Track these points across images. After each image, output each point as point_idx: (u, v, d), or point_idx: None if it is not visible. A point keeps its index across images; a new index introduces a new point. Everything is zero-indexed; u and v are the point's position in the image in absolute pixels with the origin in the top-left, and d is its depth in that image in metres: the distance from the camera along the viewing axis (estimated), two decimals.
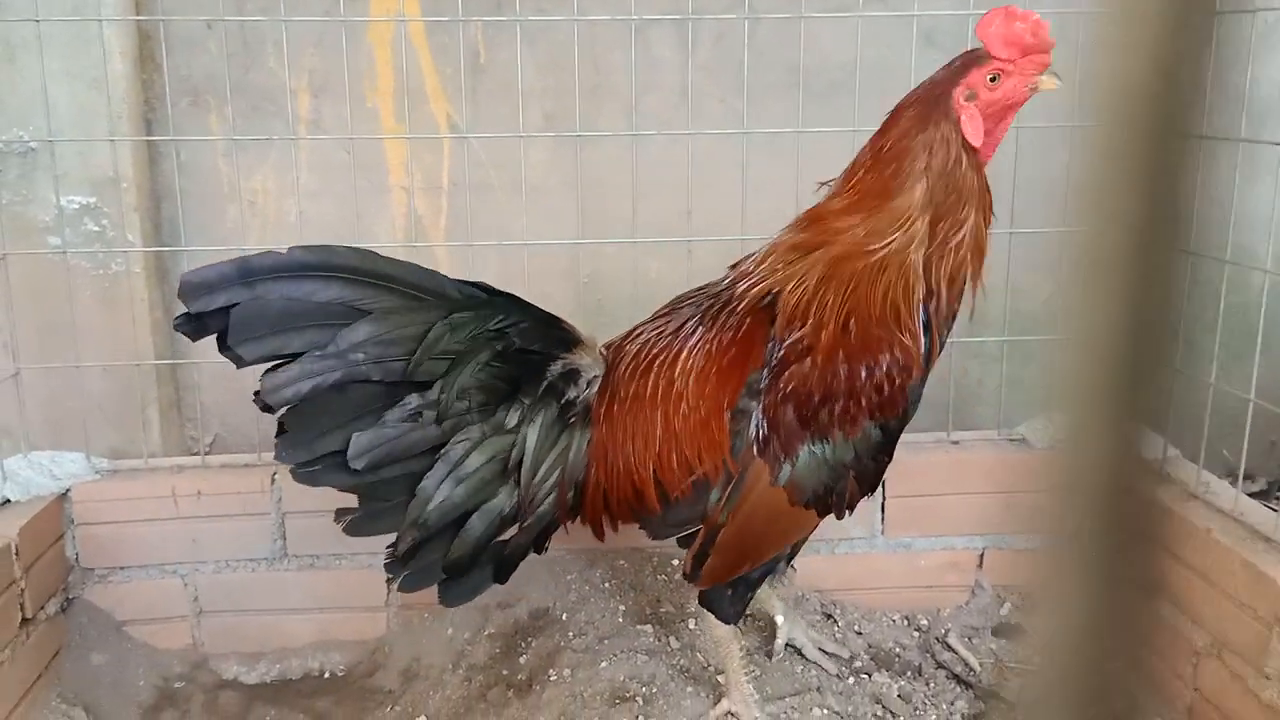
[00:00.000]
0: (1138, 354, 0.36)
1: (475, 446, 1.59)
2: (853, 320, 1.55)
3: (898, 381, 1.54)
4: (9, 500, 2.10)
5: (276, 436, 1.56)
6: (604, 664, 1.96)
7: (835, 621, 2.11)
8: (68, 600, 2.14)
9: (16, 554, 1.96)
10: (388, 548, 1.62)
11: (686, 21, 2.13)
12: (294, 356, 1.49)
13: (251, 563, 2.19)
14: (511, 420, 1.61)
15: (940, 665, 2.03)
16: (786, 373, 1.56)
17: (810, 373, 1.55)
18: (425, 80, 2.35)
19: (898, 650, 2.08)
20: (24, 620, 1.98)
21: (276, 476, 2.18)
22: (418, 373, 1.53)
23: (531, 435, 1.61)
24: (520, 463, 1.61)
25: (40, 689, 2.00)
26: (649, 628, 2.05)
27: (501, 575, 1.71)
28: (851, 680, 1.95)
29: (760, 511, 1.59)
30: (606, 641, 2.01)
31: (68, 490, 2.15)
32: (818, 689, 1.91)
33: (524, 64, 2.17)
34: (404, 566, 1.63)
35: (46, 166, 2.20)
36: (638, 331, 1.74)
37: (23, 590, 1.98)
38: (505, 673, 2.02)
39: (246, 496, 2.18)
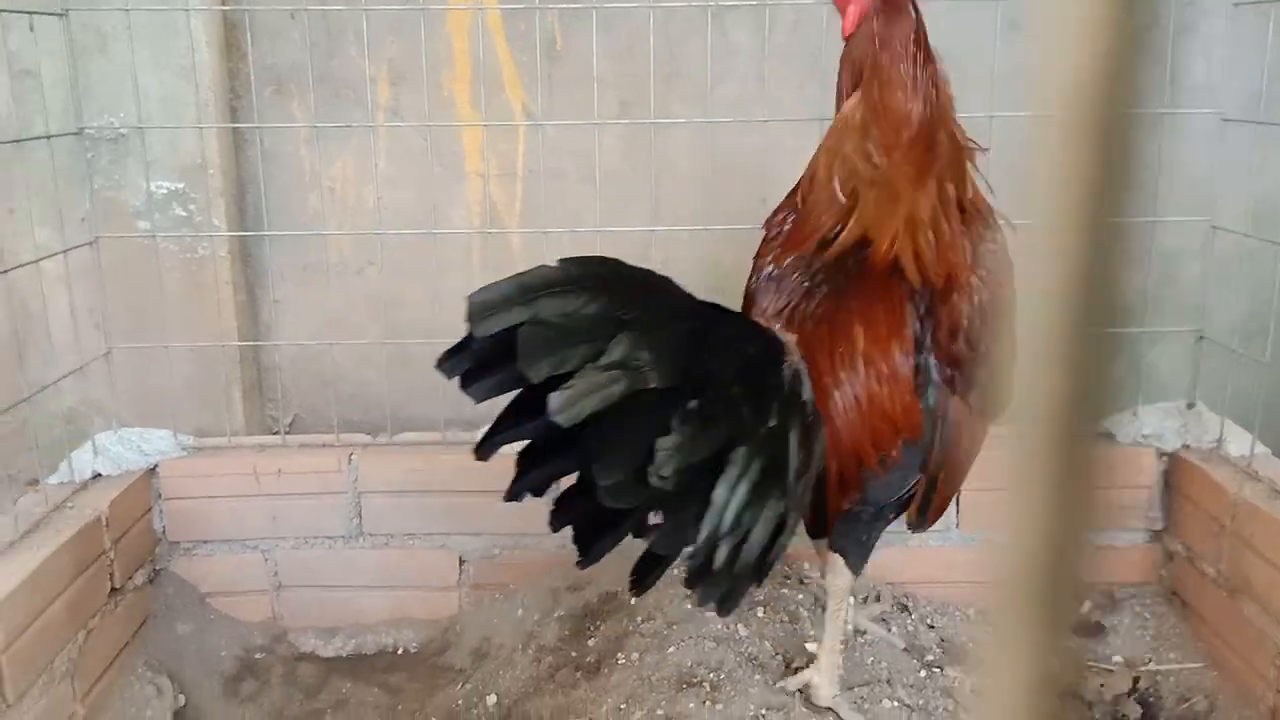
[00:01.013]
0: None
1: (754, 452, 1.48)
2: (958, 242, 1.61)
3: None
4: (100, 475, 2.18)
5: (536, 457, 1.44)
6: (671, 649, 1.97)
7: (909, 614, 2.10)
8: (155, 572, 2.22)
9: (107, 526, 2.04)
10: (689, 564, 1.48)
11: (764, 7, 2.12)
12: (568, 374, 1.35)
13: (328, 540, 2.25)
14: (772, 422, 1.52)
15: None
16: (942, 313, 1.60)
17: (959, 304, 1.59)
18: (502, 68, 2.37)
19: (971, 645, 2.06)
20: (113, 590, 2.06)
21: (353, 456, 2.23)
22: (688, 379, 1.42)
23: (792, 438, 1.53)
24: (786, 466, 1.53)
25: (128, 656, 2.08)
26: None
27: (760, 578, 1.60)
28: (923, 673, 1.94)
29: (964, 441, 1.63)
30: (675, 627, 2.02)
31: (155, 466, 2.23)
32: (887, 680, 1.90)
33: (599, 51, 2.18)
34: (706, 580, 1.50)
35: (137, 153, 2.27)
36: (771, 316, 1.71)
37: (112, 561, 2.06)
38: (574, 655, 2.04)
39: (324, 475, 2.23)
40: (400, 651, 2.23)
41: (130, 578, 2.12)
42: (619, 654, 1.99)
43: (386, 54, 2.37)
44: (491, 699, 2.03)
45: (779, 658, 1.95)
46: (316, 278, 2.47)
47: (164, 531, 2.24)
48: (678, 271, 2.37)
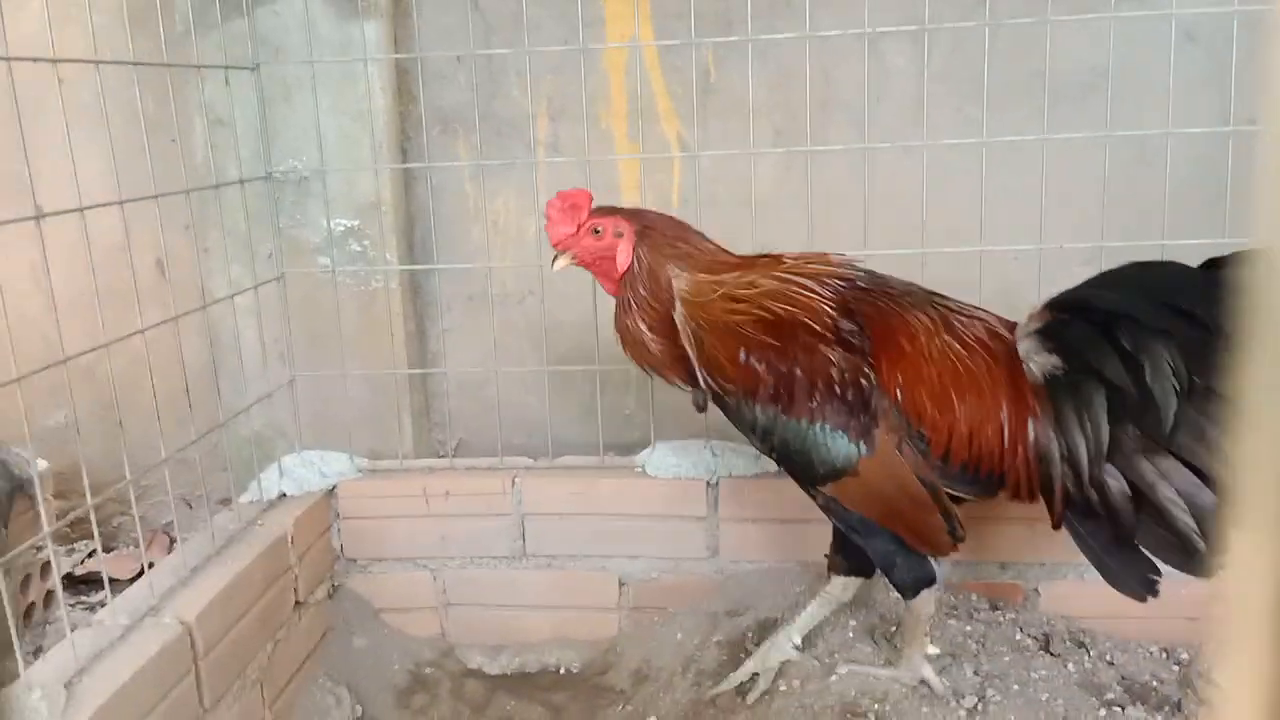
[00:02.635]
0: None
1: None
2: None
3: None
4: (285, 494, 2.32)
5: None
6: (834, 678, 1.95)
7: (1086, 651, 2.02)
8: (334, 587, 2.34)
9: (292, 543, 2.17)
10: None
11: (922, 31, 2.11)
12: None
13: (493, 560, 2.33)
14: None
15: (1203, 702, 1.90)
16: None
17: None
18: (657, 101, 2.43)
19: (1154, 684, 1.96)
20: (297, 603, 2.18)
21: (517, 479, 2.30)
22: None
23: None
24: None
25: (310, 667, 2.20)
26: (881, 645, 2.03)
27: None
28: (1103, 712, 1.86)
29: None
30: (836, 655, 2.00)
31: (334, 487, 2.36)
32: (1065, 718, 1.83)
33: (754, 81, 2.22)
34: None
35: (318, 193, 2.42)
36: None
37: (296, 576, 2.18)
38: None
39: (489, 498, 2.31)
40: (562, 671, 2.28)
41: (312, 593, 2.25)
42: (780, 681, 1.98)
43: (546, 92, 2.46)
44: None
45: (951, 688, 1.90)
46: (481, 307, 2.57)
47: (341, 549, 2.36)
48: None
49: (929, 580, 1.80)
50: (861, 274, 1.81)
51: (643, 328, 1.82)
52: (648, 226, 1.83)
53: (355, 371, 2.43)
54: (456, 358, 2.61)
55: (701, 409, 1.95)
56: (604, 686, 2.20)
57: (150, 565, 1.91)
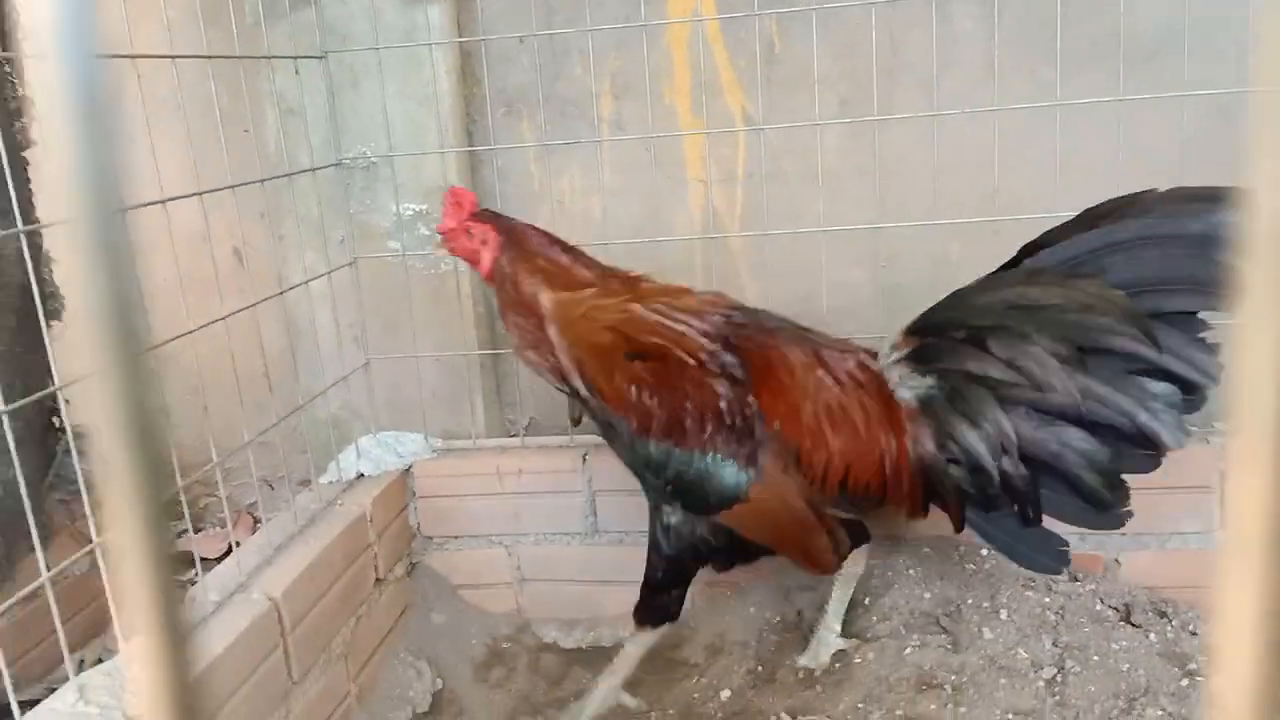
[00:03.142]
0: None
1: None
2: None
3: None
4: (362, 475, 2.37)
5: None
6: (909, 650, 1.95)
7: (1169, 620, 1.98)
8: (411, 565, 2.40)
9: (370, 521, 2.23)
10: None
11: None
12: None
13: (566, 536, 2.36)
14: None
15: None
16: None
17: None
18: (720, 75, 2.41)
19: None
20: (377, 580, 2.24)
21: (587, 457, 2.32)
22: None
23: None
24: None
25: (391, 641, 2.26)
26: (956, 616, 2.01)
27: None
28: (1185, 682, 1.82)
29: None
30: (912, 628, 1.99)
31: (410, 467, 2.41)
32: (1146, 690, 1.80)
33: (818, 51, 2.19)
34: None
35: (386, 178, 2.46)
36: None
37: (376, 554, 2.24)
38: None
39: (560, 475, 2.34)
40: None
41: (391, 569, 2.30)
42: (855, 654, 1.98)
43: (609, 70, 2.46)
44: (725, 694, 2.06)
45: (1029, 659, 1.88)
46: None
47: (418, 527, 2.41)
48: (906, 267, 2.36)
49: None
50: (736, 311, 1.88)
51: (514, 332, 1.92)
52: (513, 240, 1.92)
53: (427, 354, 2.47)
54: None
55: (576, 422, 2.03)
56: (678, 660, 2.22)
57: (237, 544, 1.98)
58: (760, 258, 2.40)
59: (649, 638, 1.96)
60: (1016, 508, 1.71)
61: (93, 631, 2.43)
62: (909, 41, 2.29)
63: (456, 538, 2.40)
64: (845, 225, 2.25)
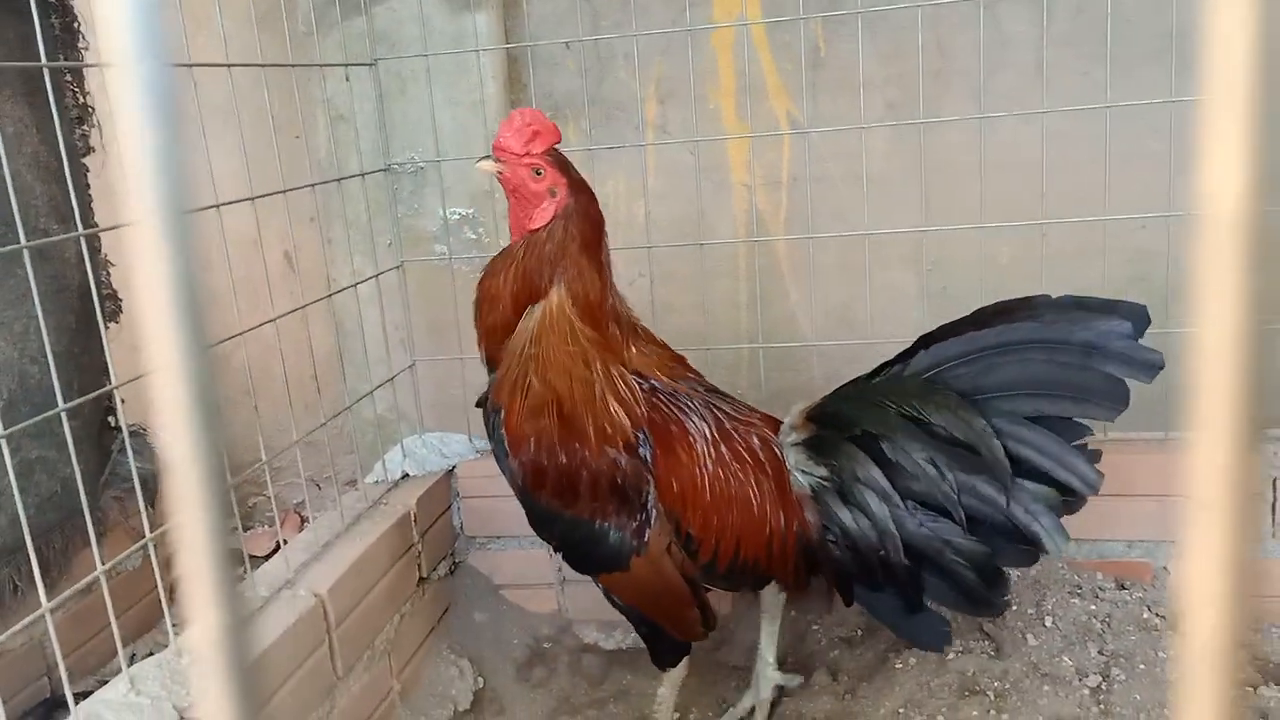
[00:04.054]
0: None
1: None
2: None
3: None
4: (408, 475, 2.40)
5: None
6: (951, 657, 1.93)
7: None
8: (454, 564, 2.42)
9: (415, 521, 2.25)
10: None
11: None
12: None
13: None
14: None
15: None
16: None
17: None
18: (765, 78, 2.41)
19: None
20: (420, 579, 2.26)
21: None
22: None
23: None
24: None
25: (434, 640, 2.28)
26: (1000, 623, 1.99)
27: None
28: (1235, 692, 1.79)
29: None
30: (955, 634, 1.97)
31: (454, 468, 2.43)
32: None
33: (864, 54, 2.18)
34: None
35: (434, 183, 2.49)
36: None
37: (420, 553, 2.27)
38: (851, 659, 2.04)
39: None
40: None
41: (434, 569, 2.33)
42: (896, 659, 1.97)
43: (654, 75, 2.48)
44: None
45: (1073, 666, 1.85)
46: None
47: (461, 527, 2.44)
48: (952, 271, 2.34)
49: (685, 652, 1.92)
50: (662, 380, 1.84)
51: (503, 295, 1.80)
52: (581, 209, 1.78)
53: (472, 356, 2.48)
54: None
55: (481, 405, 1.95)
56: (719, 662, 2.22)
57: (284, 542, 2.01)
58: (804, 261, 2.39)
59: (677, 674, 1.95)
60: (899, 593, 1.75)
61: (144, 627, 2.49)
62: (957, 44, 2.27)
63: (499, 538, 2.42)
64: (891, 229, 2.24)
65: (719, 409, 1.85)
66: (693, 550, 1.77)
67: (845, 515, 1.73)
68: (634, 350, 1.82)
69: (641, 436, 1.76)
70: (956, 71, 2.29)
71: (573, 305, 1.76)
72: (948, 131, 2.24)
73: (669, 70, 2.46)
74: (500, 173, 1.76)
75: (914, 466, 1.67)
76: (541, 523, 1.84)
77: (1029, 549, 1.64)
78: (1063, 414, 1.59)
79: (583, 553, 1.82)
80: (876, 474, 1.70)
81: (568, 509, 1.77)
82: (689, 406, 1.82)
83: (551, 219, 1.76)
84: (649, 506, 1.76)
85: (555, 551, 1.90)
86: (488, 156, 1.77)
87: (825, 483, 1.76)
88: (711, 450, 1.78)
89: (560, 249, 1.76)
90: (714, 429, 1.80)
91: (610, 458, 1.74)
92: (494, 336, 1.85)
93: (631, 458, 1.75)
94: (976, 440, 1.61)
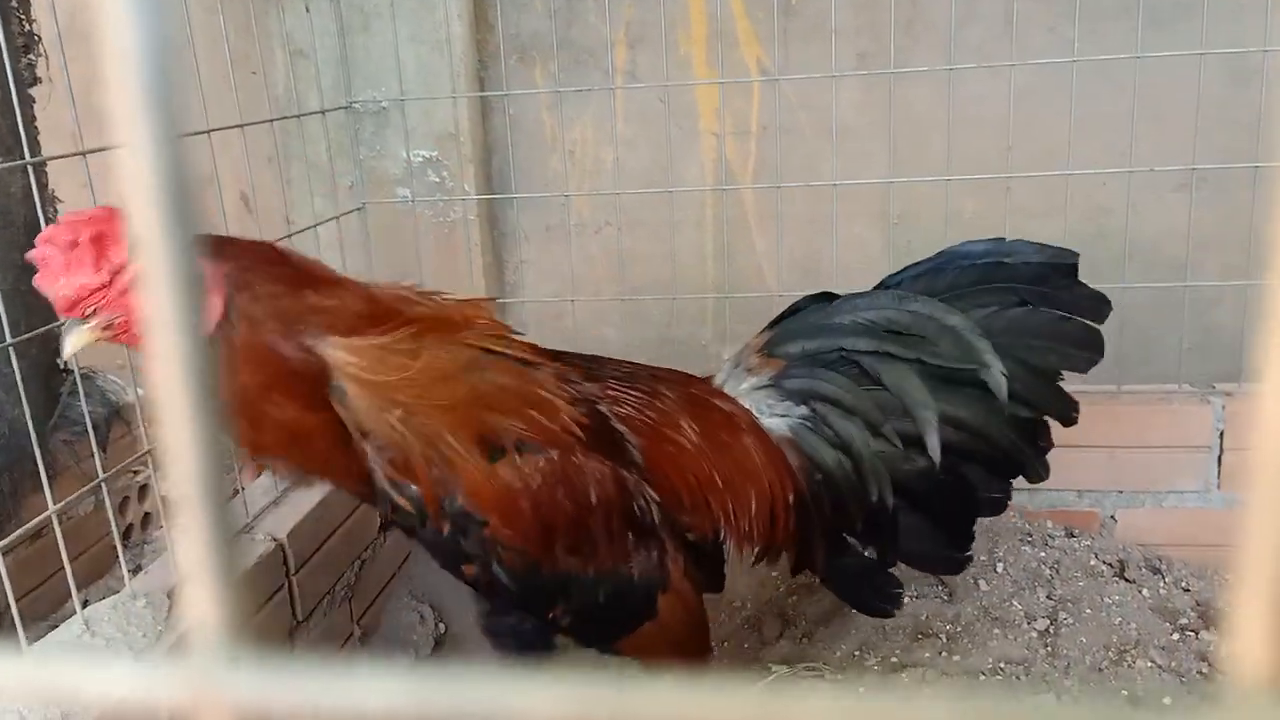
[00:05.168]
0: None
1: None
2: None
3: None
4: None
5: None
6: (905, 601, 1.97)
7: (1162, 577, 2.00)
8: None
9: None
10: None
11: None
12: None
13: None
14: None
15: None
16: None
17: None
18: (737, 25, 2.39)
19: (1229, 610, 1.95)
20: (381, 525, 2.25)
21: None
22: None
23: None
24: None
25: (395, 586, 2.28)
26: None
27: None
28: (1176, 636, 1.85)
29: None
30: (909, 581, 2.01)
31: None
32: (1137, 643, 1.83)
33: (837, 2, 2.16)
34: None
35: (397, 124, 2.44)
36: None
37: None
38: (807, 604, 2.07)
39: None
40: None
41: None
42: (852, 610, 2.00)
43: (624, 18, 2.43)
44: (723, 645, 2.08)
45: (1022, 611, 1.90)
46: (557, 238, 2.58)
47: None
48: (917, 225, 2.35)
49: None
50: (578, 362, 1.52)
51: (266, 399, 1.21)
52: (242, 266, 1.21)
53: None
54: (533, 288, 2.63)
55: (385, 526, 1.57)
56: None
57: (243, 488, 1.99)
58: (771, 211, 2.39)
59: None
60: (873, 546, 1.62)
61: (96, 572, 2.45)
62: None
63: None
64: (858, 179, 2.24)
65: (657, 376, 1.59)
66: (708, 552, 1.51)
67: (828, 456, 1.55)
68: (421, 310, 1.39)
69: (624, 431, 1.44)
70: (928, 24, 2.28)
71: (353, 339, 1.24)
72: (917, 83, 2.23)
73: (639, 14, 2.42)
74: (109, 327, 1.17)
75: (903, 386, 1.50)
76: (548, 595, 1.38)
77: (1001, 496, 1.58)
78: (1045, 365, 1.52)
79: (607, 616, 1.41)
80: (865, 400, 1.53)
81: (590, 563, 1.36)
82: (635, 379, 1.54)
83: (223, 299, 1.18)
84: (658, 526, 1.43)
85: (558, 633, 1.47)
86: (69, 330, 1.19)
87: (805, 422, 1.56)
88: (685, 423, 1.50)
89: (263, 312, 1.20)
90: (682, 403, 1.53)
91: (610, 476, 1.37)
92: (299, 447, 1.28)
93: (628, 466, 1.41)
94: (966, 348, 1.48)
